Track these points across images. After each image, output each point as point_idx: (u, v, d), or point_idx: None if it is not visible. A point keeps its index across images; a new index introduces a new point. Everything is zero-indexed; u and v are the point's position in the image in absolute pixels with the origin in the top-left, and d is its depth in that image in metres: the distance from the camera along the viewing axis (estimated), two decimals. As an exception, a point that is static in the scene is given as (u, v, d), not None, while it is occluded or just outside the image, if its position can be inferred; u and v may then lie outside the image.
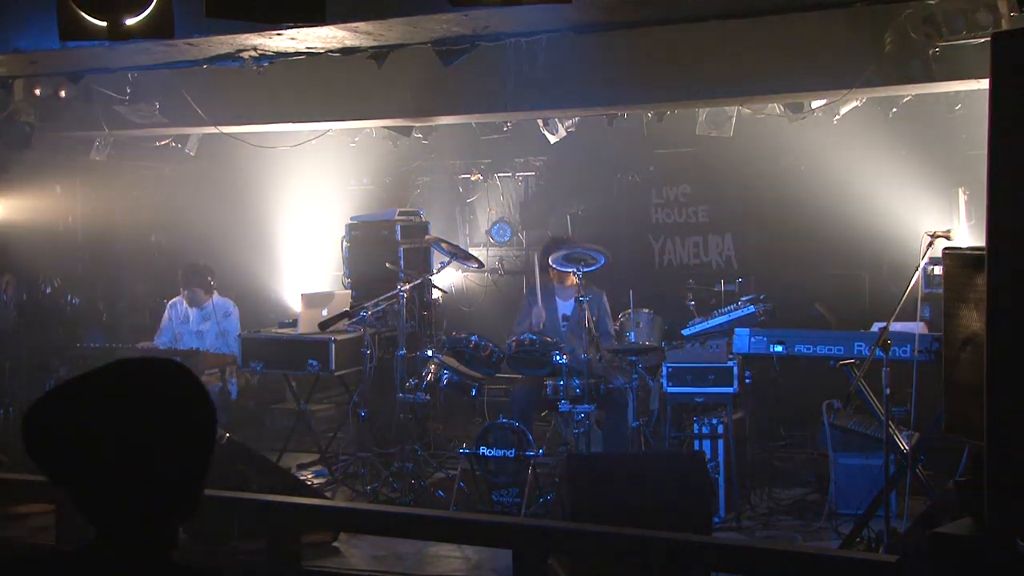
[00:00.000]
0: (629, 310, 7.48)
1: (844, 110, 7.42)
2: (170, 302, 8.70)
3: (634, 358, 6.90)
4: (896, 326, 5.57)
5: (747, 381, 7.06)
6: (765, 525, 6.62)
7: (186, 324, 8.57)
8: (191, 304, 8.53)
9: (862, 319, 7.79)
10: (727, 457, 6.76)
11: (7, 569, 1.68)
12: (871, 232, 8.83)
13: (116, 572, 1.68)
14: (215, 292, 8.56)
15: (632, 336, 7.33)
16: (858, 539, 5.66)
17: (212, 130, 8.31)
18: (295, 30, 5.23)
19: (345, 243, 9.18)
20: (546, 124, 8.15)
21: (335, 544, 6.13)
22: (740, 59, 6.79)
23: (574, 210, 10.53)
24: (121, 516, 1.69)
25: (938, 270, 4.69)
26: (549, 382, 6.93)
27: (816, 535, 6.33)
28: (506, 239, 10.97)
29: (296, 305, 8.70)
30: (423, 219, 9.47)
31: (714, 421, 6.85)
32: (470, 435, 7.05)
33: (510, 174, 10.89)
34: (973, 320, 4.11)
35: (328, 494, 7.16)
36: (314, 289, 9.54)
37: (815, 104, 7.37)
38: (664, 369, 6.89)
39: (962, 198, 8.13)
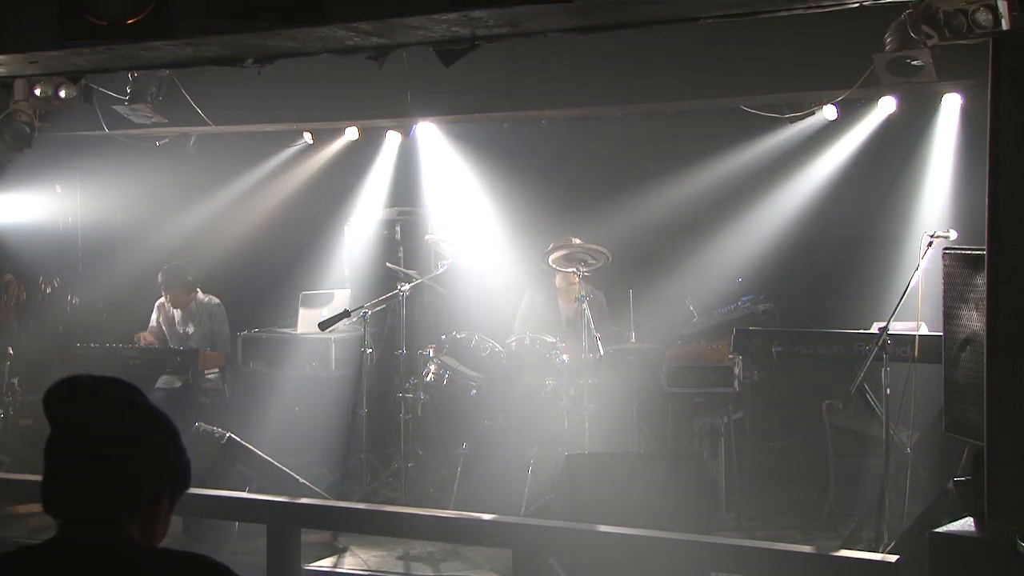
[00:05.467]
0: (629, 310, 7.48)
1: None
2: (157, 303, 8.57)
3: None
4: (896, 326, 5.57)
5: (747, 381, 7.06)
6: (765, 525, 6.62)
7: (173, 326, 8.51)
8: (173, 305, 8.45)
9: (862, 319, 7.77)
10: (727, 457, 6.76)
11: None
12: (870, 231, 8.79)
13: (82, 558, 1.86)
14: (198, 291, 8.47)
15: (631, 336, 7.32)
16: (858, 539, 5.66)
17: (212, 130, 8.29)
18: (295, 30, 5.22)
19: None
20: None
21: (335, 544, 6.13)
22: (740, 59, 6.79)
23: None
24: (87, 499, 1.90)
25: (938, 270, 4.73)
26: (549, 382, 6.93)
27: (816, 535, 6.33)
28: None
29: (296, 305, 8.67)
30: (424, 217, 9.42)
31: (714, 421, 6.85)
32: (470, 435, 7.03)
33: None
34: (973, 320, 4.12)
35: (328, 494, 7.15)
36: (314, 289, 9.51)
37: (825, 112, 7.28)
38: (664, 369, 6.88)
39: None
